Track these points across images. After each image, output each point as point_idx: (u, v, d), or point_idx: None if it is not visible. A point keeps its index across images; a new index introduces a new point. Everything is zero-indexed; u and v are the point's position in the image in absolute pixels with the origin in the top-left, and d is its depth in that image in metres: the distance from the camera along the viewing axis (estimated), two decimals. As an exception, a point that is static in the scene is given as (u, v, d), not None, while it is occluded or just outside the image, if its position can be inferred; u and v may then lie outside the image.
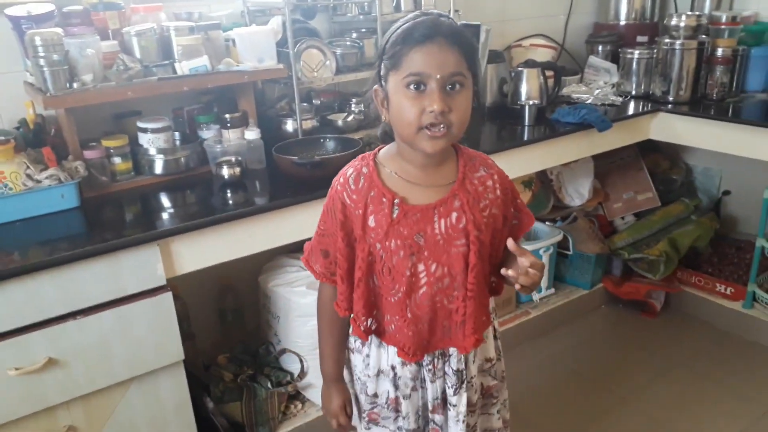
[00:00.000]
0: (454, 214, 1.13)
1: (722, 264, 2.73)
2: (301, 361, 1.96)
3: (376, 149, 1.21)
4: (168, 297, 1.53)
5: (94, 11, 1.77)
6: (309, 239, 1.75)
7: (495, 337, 1.33)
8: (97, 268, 1.43)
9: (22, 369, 1.37)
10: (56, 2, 1.73)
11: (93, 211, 1.65)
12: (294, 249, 2.13)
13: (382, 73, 1.09)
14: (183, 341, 1.59)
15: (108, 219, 1.63)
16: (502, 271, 1.12)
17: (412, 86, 1.03)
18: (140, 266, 1.48)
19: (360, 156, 1.20)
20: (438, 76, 1.02)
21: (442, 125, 1.04)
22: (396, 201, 1.13)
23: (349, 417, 1.36)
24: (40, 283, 1.37)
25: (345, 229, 1.16)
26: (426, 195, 1.14)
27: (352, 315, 1.23)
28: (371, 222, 1.14)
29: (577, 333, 2.63)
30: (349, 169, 1.19)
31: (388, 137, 1.19)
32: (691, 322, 2.66)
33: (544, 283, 2.63)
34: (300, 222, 1.70)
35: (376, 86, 1.12)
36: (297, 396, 2.03)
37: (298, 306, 1.92)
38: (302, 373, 1.96)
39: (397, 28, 1.06)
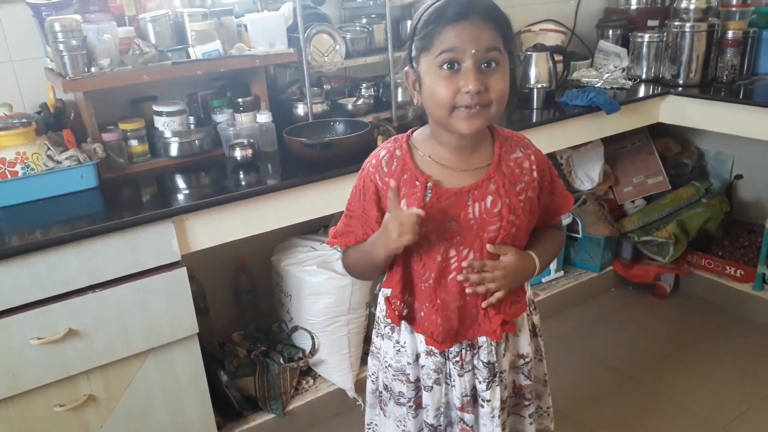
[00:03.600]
0: (489, 198, 1.08)
1: (733, 247, 2.73)
2: (312, 338, 2.01)
3: (410, 131, 1.16)
4: (183, 272, 1.59)
5: (111, -2, 1.82)
6: (319, 218, 1.83)
7: (535, 334, 1.27)
8: (115, 244, 1.49)
9: (44, 339, 1.44)
10: (74, -10, 1.79)
11: (111, 191, 1.71)
12: (305, 231, 2.18)
13: (413, 54, 1.04)
14: (198, 317, 1.65)
15: (125, 198, 1.70)
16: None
17: (445, 66, 0.98)
18: (156, 242, 1.54)
19: (393, 138, 1.15)
20: (473, 51, 0.96)
21: (477, 105, 0.99)
22: (429, 184, 1.07)
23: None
24: (61, 257, 1.43)
25: (380, 209, 1.11)
26: (460, 179, 1.09)
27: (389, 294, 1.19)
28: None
29: (587, 315, 2.65)
30: (381, 151, 1.13)
31: (421, 122, 1.14)
32: (700, 304, 2.66)
33: (553, 266, 2.66)
34: (310, 201, 1.75)
35: (406, 68, 1.07)
36: (309, 372, 2.09)
37: (310, 284, 1.96)
38: (313, 350, 2.01)
39: (429, 7, 1.01)
